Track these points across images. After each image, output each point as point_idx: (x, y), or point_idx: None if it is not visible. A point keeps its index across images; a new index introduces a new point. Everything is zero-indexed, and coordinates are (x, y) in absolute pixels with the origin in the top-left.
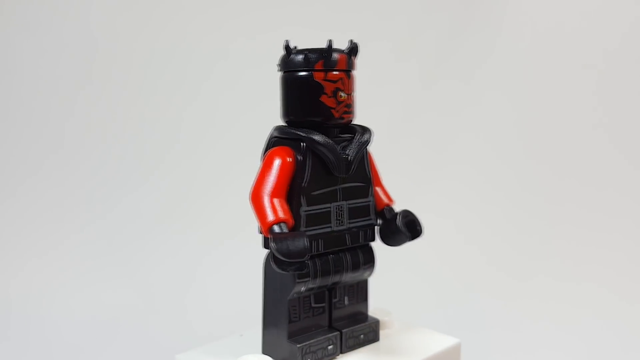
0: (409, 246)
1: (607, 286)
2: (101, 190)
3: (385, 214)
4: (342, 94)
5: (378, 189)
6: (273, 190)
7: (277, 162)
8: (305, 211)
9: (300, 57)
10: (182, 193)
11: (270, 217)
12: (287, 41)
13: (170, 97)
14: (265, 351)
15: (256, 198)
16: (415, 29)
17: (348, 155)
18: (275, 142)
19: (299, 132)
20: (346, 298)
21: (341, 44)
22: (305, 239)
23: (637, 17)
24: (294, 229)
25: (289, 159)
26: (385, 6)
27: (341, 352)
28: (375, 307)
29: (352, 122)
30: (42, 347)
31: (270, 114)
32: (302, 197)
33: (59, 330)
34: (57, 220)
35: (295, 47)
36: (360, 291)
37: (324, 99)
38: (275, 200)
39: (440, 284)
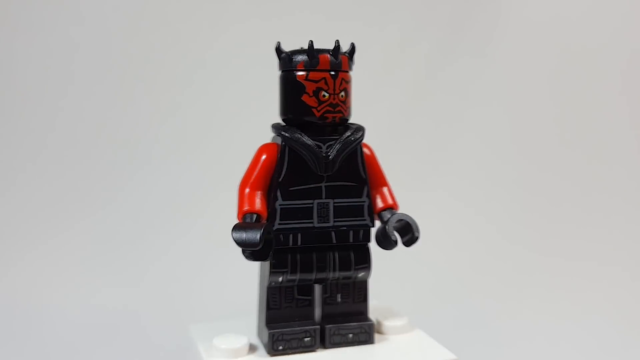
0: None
1: (611, 285)
2: (100, 189)
3: (383, 216)
4: (325, 94)
5: (383, 190)
6: (253, 182)
7: (261, 157)
8: (281, 205)
9: (286, 57)
10: (182, 191)
11: (245, 207)
12: (278, 43)
13: (174, 94)
14: (258, 334)
15: (239, 189)
16: (414, 30)
17: (329, 154)
18: (273, 138)
19: (281, 130)
20: (339, 296)
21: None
22: (260, 232)
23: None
24: (270, 221)
25: (271, 155)
26: (383, 6)
27: (325, 347)
28: (385, 308)
29: (350, 121)
30: (42, 347)
31: (270, 115)
32: (278, 191)
33: (58, 329)
34: (56, 219)
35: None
36: (357, 291)
37: (305, 98)
38: (254, 193)
39: (449, 282)
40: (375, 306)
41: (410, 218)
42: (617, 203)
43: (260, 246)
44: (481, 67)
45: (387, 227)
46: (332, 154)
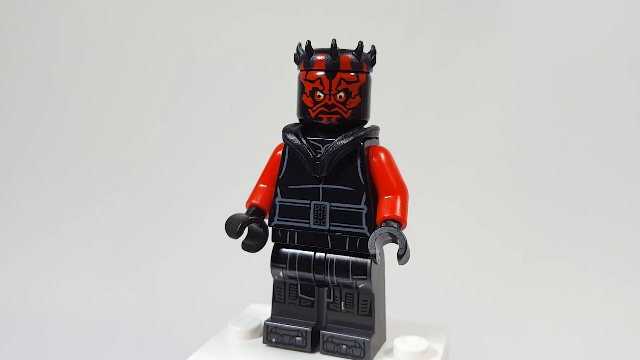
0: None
1: (606, 287)
2: (100, 191)
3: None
4: (320, 94)
5: (390, 199)
6: (261, 177)
7: (273, 154)
8: (280, 201)
9: (295, 57)
10: (183, 190)
11: (249, 199)
12: (299, 43)
13: (176, 94)
14: None
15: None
16: (414, 28)
17: (320, 157)
18: None
19: (283, 129)
20: (342, 304)
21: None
22: (237, 226)
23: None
24: (271, 215)
25: (278, 153)
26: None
27: (318, 352)
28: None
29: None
30: (40, 347)
31: (272, 113)
32: (278, 187)
33: (58, 330)
34: (57, 219)
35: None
36: (361, 303)
37: (303, 97)
38: (262, 187)
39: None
40: (396, 325)
41: (400, 237)
42: (619, 205)
43: (235, 238)
44: (482, 66)
45: (369, 239)
46: (322, 156)
